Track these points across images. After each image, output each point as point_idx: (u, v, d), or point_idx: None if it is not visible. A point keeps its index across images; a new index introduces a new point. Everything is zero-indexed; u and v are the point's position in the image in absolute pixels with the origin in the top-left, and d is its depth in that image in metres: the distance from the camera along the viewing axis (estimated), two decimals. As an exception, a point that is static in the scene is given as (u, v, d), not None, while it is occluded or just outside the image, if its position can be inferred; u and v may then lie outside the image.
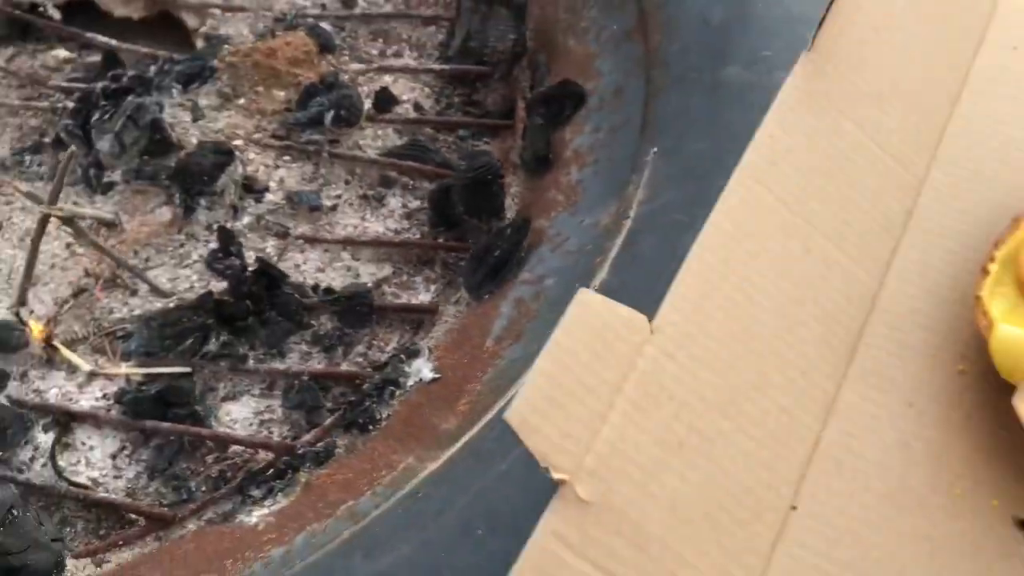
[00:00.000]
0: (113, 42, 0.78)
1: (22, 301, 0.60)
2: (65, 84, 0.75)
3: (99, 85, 0.70)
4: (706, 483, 0.30)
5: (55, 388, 0.58)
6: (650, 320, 0.31)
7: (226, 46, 0.75)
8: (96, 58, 0.77)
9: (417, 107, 0.74)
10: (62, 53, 0.80)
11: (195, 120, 0.69)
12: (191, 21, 0.81)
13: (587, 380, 0.29)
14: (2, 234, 0.65)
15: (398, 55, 0.78)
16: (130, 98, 0.67)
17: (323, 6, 0.81)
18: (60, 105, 0.73)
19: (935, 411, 0.33)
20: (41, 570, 0.47)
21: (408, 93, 0.74)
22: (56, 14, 0.80)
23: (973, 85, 0.41)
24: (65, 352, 0.58)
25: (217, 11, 0.81)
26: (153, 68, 0.73)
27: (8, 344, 0.58)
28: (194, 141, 0.67)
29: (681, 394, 0.30)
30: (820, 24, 0.37)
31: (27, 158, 0.70)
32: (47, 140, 0.71)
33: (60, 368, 0.59)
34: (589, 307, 0.30)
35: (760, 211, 0.34)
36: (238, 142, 0.67)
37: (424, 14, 0.81)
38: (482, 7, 0.73)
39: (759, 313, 0.33)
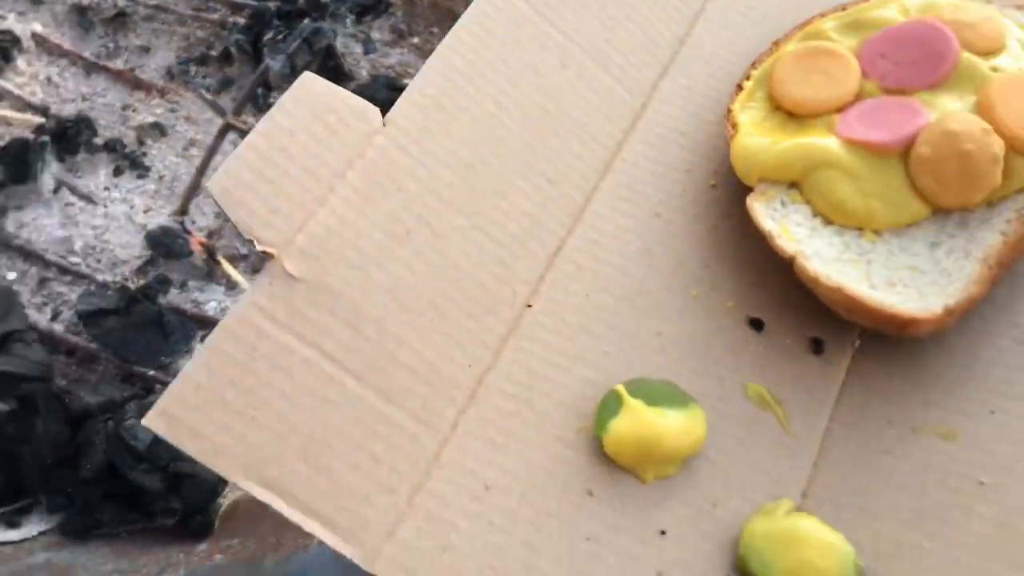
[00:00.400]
0: None
1: (184, 210, 0.60)
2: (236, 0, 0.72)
3: (272, 4, 0.69)
4: (435, 275, 0.29)
5: (213, 301, 0.58)
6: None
7: None
8: None
9: None
10: None
11: (366, 53, 0.68)
12: None
13: (304, 161, 0.28)
14: (167, 141, 0.64)
15: None
16: (306, 21, 0.66)
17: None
18: (230, 20, 0.71)
19: (681, 221, 0.33)
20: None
21: None
22: None
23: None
24: (226, 266, 0.58)
25: None
26: None
27: (171, 250, 0.58)
28: (364, 74, 0.66)
29: (413, 187, 0.30)
30: None
31: (192, 68, 0.69)
32: (213, 53, 0.69)
33: (219, 283, 0.59)
34: (311, 90, 0.29)
35: (514, 19, 0.33)
36: (407, 80, 0.65)
37: None
38: None
39: (507, 120, 0.32)
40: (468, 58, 0.32)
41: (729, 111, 0.33)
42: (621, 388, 0.28)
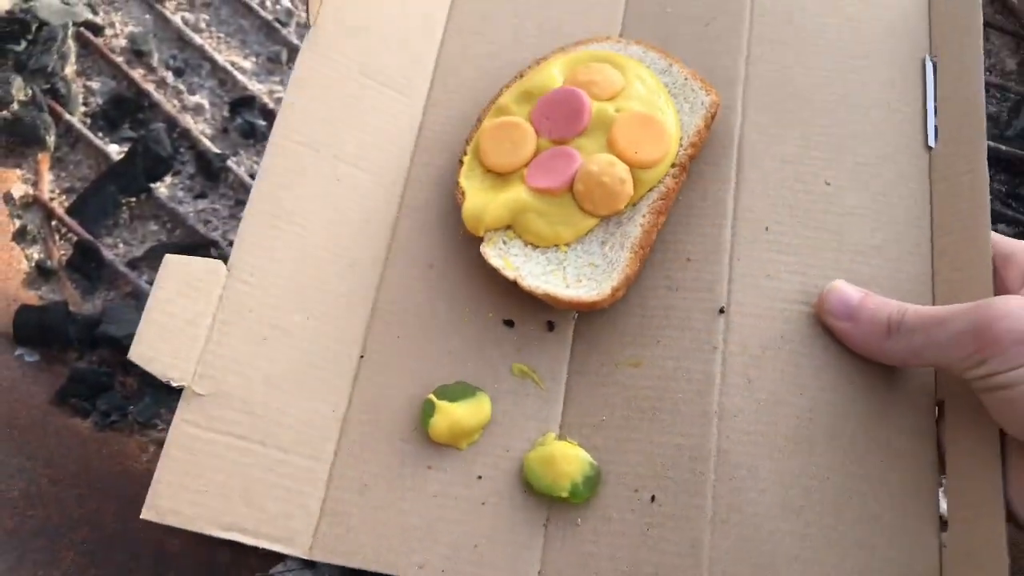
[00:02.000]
0: None
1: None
2: None
3: None
4: (290, 359, 0.44)
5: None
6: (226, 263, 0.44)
7: None
8: None
9: None
10: None
11: None
12: None
13: (185, 316, 0.42)
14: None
15: None
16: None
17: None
18: None
19: (448, 267, 0.48)
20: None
21: None
22: None
23: (452, 19, 0.55)
24: None
25: None
26: None
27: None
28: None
29: (258, 306, 0.44)
30: (310, 3, 0.49)
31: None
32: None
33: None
34: (175, 266, 0.43)
35: (296, 159, 0.47)
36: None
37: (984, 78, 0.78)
38: None
39: (310, 234, 0.47)
40: (273, 200, 0.46)
41: (457, 183, 0.49)
42: (432, 396, 0.44)
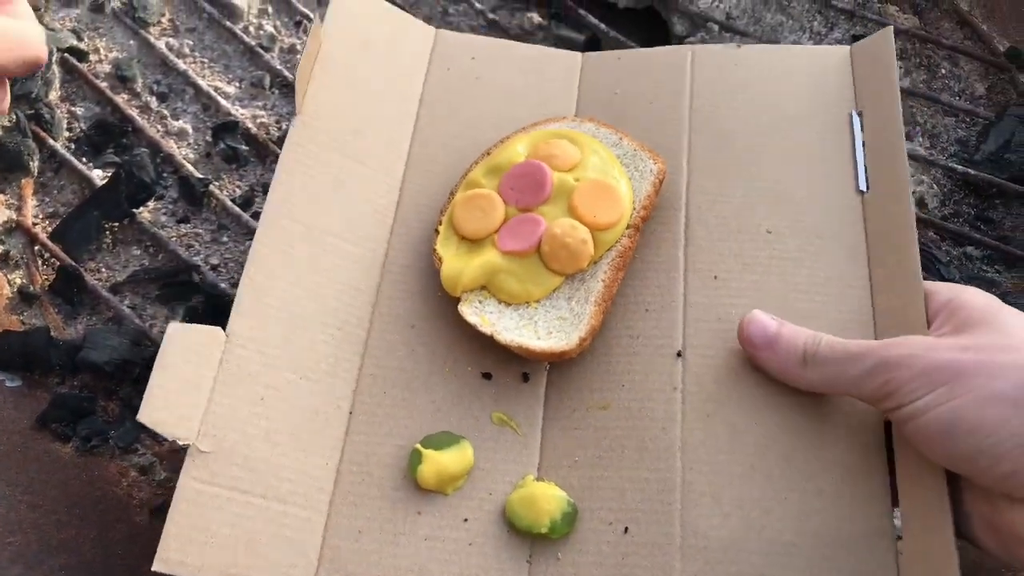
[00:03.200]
0: (602, 26, 0.79)
1: None
2: None
3: None
4: (286, 416, 0.48)
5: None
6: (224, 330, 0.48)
7: None
8: (565, 32, 0.81)
9: (920, 202, 0.71)
10: (536, 17, 0.82)
11: None
12: (679, 27, 0.81)
13: (189, 380, 0.46)
14: None
15: (908, 138, 0.74)
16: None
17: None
18: None
19: (429, 327, 0.52)
20: None
21: (914, 185, 0.71)
22: None
23: (424, 104, 0.60)
24: None
25: (714, 26, 0.80)
26: None
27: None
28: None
29: (255, 368, 0.48)
30: (297, 94, 0.54)
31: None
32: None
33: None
34: (179, 333, 0.46)
35: (286, 234, 0.52)
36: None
37: (950, 102, 0.76)
38: None
39: (301, 300, 0.51)
40: (266, 270, 0.50)
41: (434, 250, 0.53)
42: (418, 446, 0.48)
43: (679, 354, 0.50)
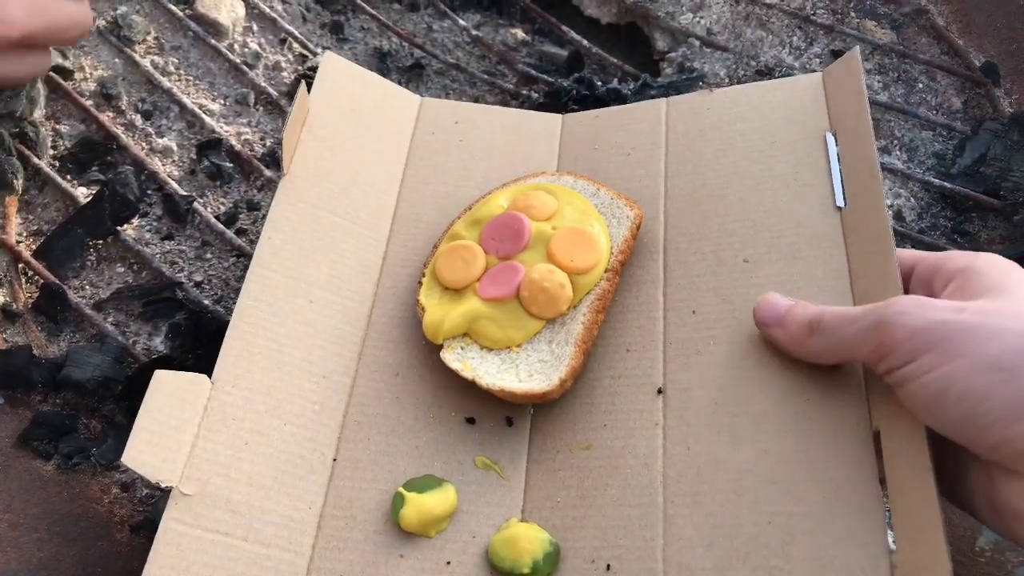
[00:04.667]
0: (584, 42, 0.81)
1: None
2: (531, 71, 0.78)
3: (565, 83, 0.75)
4: (270, 461, 0.48)
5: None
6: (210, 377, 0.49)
7: (700, 84, 0.76)
8: (548, 48, 0.82)
9: (898, 215, 0.72)
10: (520, 34, 0.83)
11: None
12: (661, 42, 0.83)
13: (173, 424, 0.47)
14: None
15: (886, 151, 0.76)
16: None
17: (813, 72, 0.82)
18: (523, 92, 0.77)
19: (412, 374, 0.53)
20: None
21: (891, 198, 0.72)
22: None
23: (410, 165, 0.63)
24: None
25: (696, 42, 0.82)
26: (629, 87, 0.76)
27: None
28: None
29: (240, 414, 0.49)
30: (283, 156, 0.57)
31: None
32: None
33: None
34: (163, 380, 0.47)
35: (273, 286, 0.53)
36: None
37: (927, 116, 0.77)
38: (1014, 135, 0.71)
39: (287, 349, 0.52)
40: (252, 321, 0.51)
41: (417, 300, 0.54)
42: (401, 489, 0.48)
43: (660, 391, 0.50)
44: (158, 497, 0.55)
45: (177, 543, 0.44)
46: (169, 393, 0.47)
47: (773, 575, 0.43)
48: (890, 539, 0.43)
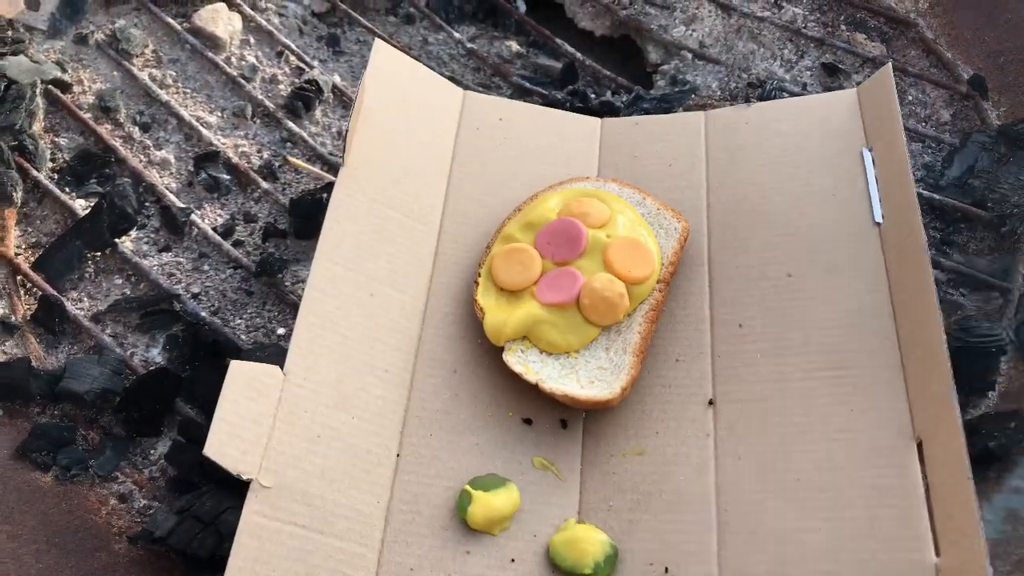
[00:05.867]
0: (578, 54, 0.81)
1: None
2: (525, 83, 0.78)
3: (560, 95, 0.75)
4: (340, 455, 0.49)
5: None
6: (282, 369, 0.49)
7: (693, 96, 0.76)
8: (543, 60, 0.82)
9: None
10: (514, 46, 0.82)
11: None
12: (654, 55, 0.83)
13: (251, 415, 0.47)
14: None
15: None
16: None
17: (804, 85, 0.80)
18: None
19: (470, 373, 0.54)
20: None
21: None
22: (522, 6, 0.85)
23: (456, 162, 0.63)
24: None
25: (688, 54, 0.82)
26: (622, 99, 0.77)
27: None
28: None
29: (312, 407, 0.49)
30: (345, 146, 0.57)
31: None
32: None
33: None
34: (240, 371, 0.47)
35: (336, 279, 0.53)
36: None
37: (916, 128, 0.78)
38: (1001, 147, 0.71)
39: (351, 343, 0.52)
40: (319, 314, 0.52)
41: (475, 300, 0.56)
42: (468, 487, 0.50)
43: (711, 402, 0.53)
44: (155, 509, 0.55)
45: (258, 535, 0.45)
46: (245, 384, 0.47)
47: None
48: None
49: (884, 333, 0.52)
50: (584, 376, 0.53)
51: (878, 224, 0.57)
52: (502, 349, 0.54)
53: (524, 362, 0.53)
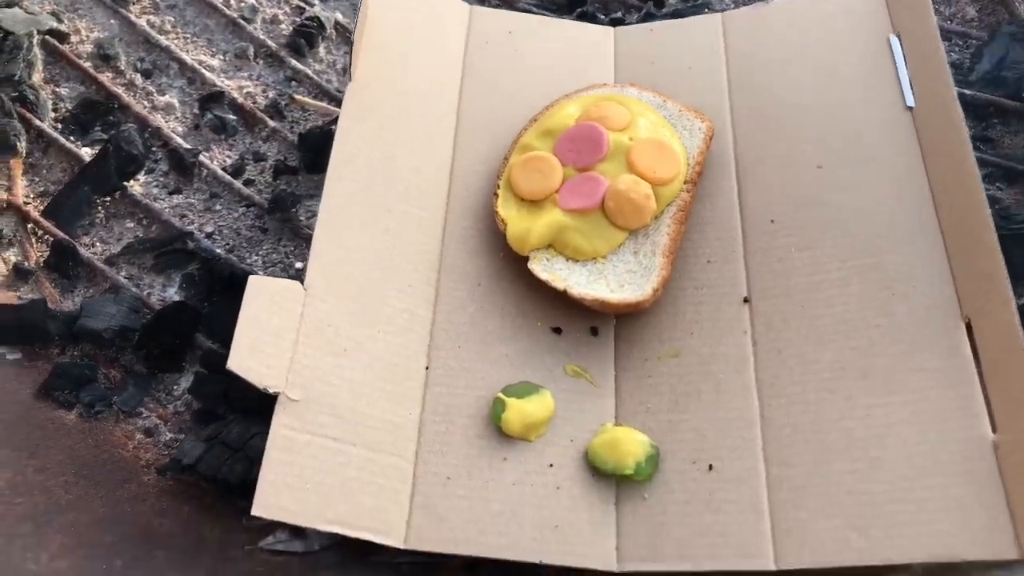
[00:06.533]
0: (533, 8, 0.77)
1: None
2: (532, 8, 0.75)
3: (569, 19, 0.72)
4: (368, 368, 0.47)
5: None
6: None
7: (706, 10, 0.73)
8: None
9: None
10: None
11: None
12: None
13: (273, 329, 0.45)
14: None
15: None
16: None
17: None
18: None
19: (494, 285, 0.53)
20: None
21: None
22: None
23: (467, 76, 0.61)
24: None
25: None
26: (633, 18, 0.75)
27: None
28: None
29: (335, 321, 0.48)
30: (351, 63, 0.55)
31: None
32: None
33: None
34: (259, 286, 0.46)
35: (351, 195, 0.52)
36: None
37: (942, 26, 0.73)
38: None
39: (372, 259, 0.51)
40: (335, 231, 0.50)
41: (496, 212, 0.54)
42: (500, 394, 0.48)
43: (746, 300, 0.51)
44: (182, 440, 0.54)
45: (289, 448, 0.43)
46: (266, 299, 0.46)
47: (873, 465, 0.45)
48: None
49: (923, 217, 0.51)
50: (614, 280, 0.51)
51: (910, 109, 0.54)
52: (526, 260, 0.52)
53: (550, 269, 0.51)
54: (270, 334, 0.45)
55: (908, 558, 0.42)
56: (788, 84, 0.58)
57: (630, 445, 0.47)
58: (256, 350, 0.44)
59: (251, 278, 0.46)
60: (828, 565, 0.43)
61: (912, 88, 0.55)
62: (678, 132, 0.56)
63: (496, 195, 0.55)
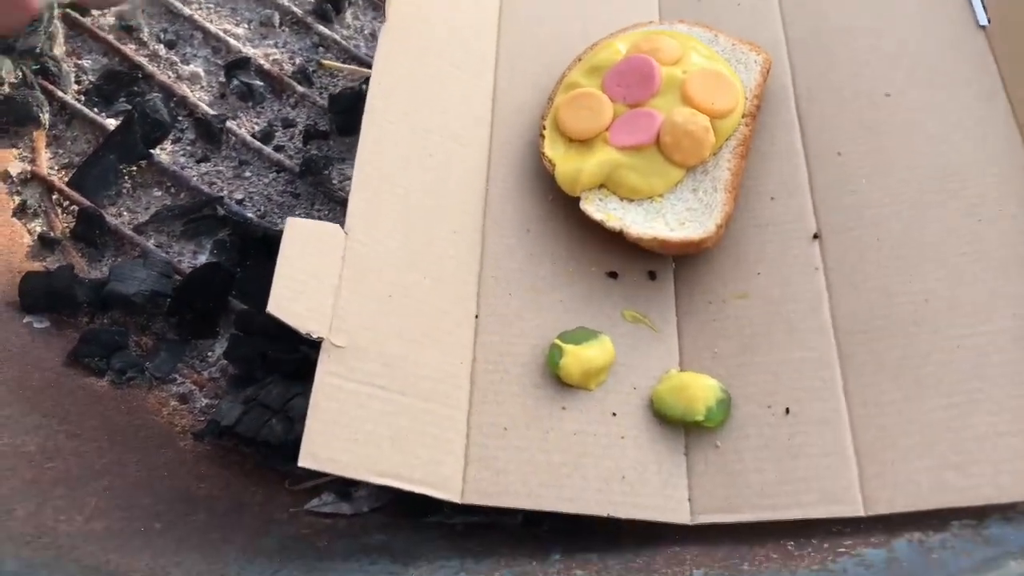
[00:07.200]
0: None
1: None
2: None
3: None
4: (416, 315, 0.44)
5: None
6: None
7: None
8: None
9: None
10: None
11: None
12: None
13: (315, 272, 0.42)
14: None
15: None
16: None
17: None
18: None
19: (544, 229, 0.50)
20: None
21: None
22: None
23: (504, 14, 0.58)
24: None
25: None
26: None
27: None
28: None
29: (378, 266, 0.45)
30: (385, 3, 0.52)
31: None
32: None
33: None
34: (298, 227, 0.43)
35: (389, 135, 0.49)
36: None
37: None
38: None
39: (414, 201, 0.48)
40: (376, 172, 0.47)
41: (542, 153, 0.51)
42: (557, 340, 0.45)
43: (815, 236, 0.48)
44: (218, 404, 0.52)
45: (336, 397, 0.40)
46: (305, 242, 0.43)
47: (973, 398, 0.41)
48: None
49: (1006, 138, 0.47)
50: (673, 219, 0.48)
51: (983, 28, 0.51)
52: (576, 203, 0.49)
53: (604, 210, 0.48)
54: (312, 277, 0.42)
55: (1014, 496, 0.38)
56: (845, 9, 0.55)
57: (699, 390, 0.44)
58: (298, 293, 0.41)
59: (290, 220, 0.43)
60: (924, 508, 0.39)
61: (984, 5, 0.51)
62: (733, 66, 0.52)
63: (542, 136, 0.51)
